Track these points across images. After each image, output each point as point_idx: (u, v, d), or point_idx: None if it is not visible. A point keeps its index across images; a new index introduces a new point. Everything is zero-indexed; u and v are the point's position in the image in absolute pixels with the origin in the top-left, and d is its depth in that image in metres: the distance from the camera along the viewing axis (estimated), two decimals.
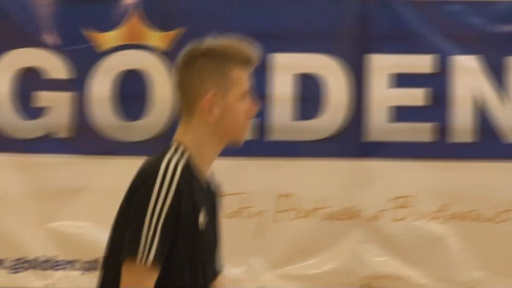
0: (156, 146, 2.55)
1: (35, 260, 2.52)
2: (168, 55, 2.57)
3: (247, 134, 1.13)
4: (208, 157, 1.09)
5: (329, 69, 2.56)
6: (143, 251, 0.98)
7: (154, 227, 0.98)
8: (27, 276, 2.52)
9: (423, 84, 2.58)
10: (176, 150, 1.05)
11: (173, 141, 1.07)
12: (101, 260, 1.12)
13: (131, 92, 2.58)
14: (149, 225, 0.98)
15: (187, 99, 1.08)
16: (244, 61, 1.08)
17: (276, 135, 2.62)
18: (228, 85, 1.07)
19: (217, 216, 1.13)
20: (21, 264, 2.53)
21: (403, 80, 2.57)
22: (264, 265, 2.59)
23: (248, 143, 2.51)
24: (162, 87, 2.55)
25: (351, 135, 2.60)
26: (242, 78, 1.08)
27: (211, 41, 1.09)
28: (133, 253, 0.99)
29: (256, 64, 1.09)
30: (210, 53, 1.07)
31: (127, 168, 1.32)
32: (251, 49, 1.09)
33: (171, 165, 1.01)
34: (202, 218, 1.03)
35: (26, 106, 2.56)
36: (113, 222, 1.08)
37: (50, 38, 2.55)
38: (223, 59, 1.07)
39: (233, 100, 1.07)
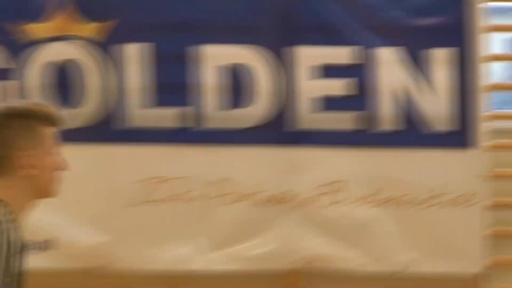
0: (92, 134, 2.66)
1: None
2: (102, 45, 2.66)
3: (57, 188, 1.21)
4: (26, 211, 1.18)
5: (256, 60, 2.67)
6: None
7: None
8: None
9: (347, 74, 2.71)
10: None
11: None
12: None
13: (64, 82, 2.65)
14: None
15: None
16: (47, 118, 1.18)
17: (210, 123, 2.72)
18: (35, 142, 1.16)
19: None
20: None
21: (327, 71, 2.69)
22: (209, 246, 2.70)
23: (185, 131, 2.66)
24: (95, 76, 2.64)
25: (280, 124, 2.72)
26: (48, 134, 1.17)
27: (16, 104, 1.22)
28: None
29: (59, 122, 1.21)
30: (15, 113, 1.16)
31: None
32: (52, 109, 1.21)
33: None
34: None
35: None
36: None
37: None
38: (28, 118, 1.16)
39: (41, 156, 1.16)
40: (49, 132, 1.18)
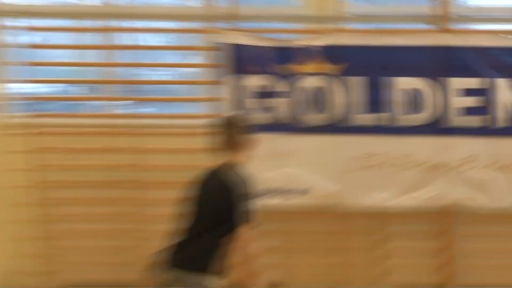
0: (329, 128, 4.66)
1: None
2: (338, 78, 4.63)
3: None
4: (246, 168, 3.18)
5: (425, 86, 4.61)
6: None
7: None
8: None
9: (478, 94, 4.66)
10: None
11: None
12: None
13: (315, 100, 4.63)
14: None
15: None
16: (247, 125, 3.29)
17: (398, 122, 4.68)
18: (246, 136, 3.18)
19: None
20: None
21: (466, 92, 4.63)
22: (399, 192, 4.67)
23: (383, 127, 4.71)
24: (334, 96, 4.61)
25: (438, 123, 4.68)
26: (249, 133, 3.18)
27: (234, 115, 3.60)
28: (247, 220, 2.93)
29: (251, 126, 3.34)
30: (236, 120, 3.30)
31: None
32: (246, 118, 3.46)
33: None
34: None
35: None
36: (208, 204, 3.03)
37: (276, 68, 4.60)
38: (242, 123, 3.28)
39: (248, 143, 3.18)
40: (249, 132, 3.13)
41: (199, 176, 3.17)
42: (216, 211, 3.01)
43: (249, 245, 2.90)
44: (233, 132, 3.09)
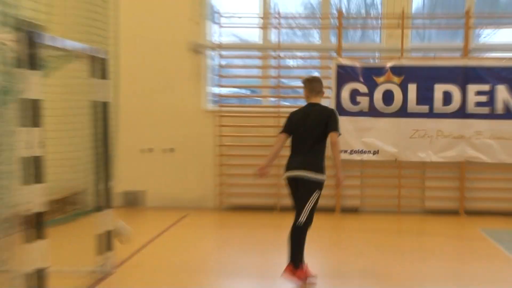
0: None
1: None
2: (399, 85, 7.76)
3: None
4: None
5: None
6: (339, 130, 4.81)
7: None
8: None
9: None
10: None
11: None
12: None
13: None
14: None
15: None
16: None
17: None
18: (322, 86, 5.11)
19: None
20: None
21: None
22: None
23: None
24: (397, 95, 7.76)
25: None
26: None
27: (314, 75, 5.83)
28: (337, 130, 4.73)
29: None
30: (315, 78, 5.22)
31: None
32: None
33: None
34: None
35: None
36: (315, 127, 4.70)
37: (363, 79, 7.75)
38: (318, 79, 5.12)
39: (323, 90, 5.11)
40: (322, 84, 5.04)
41: (298, 112, 4.97)
42: (320, 130, 4.74)
43: (337, 145, 4.76)
44: (315, 85, 4.95)
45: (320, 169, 4.75)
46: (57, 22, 6.94)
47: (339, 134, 4.82)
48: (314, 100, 4.92)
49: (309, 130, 4.80)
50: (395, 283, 5.01)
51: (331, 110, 5.01)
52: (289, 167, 4.84)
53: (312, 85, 4.92)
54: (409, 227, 7.57)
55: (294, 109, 5.07)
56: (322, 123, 4.77)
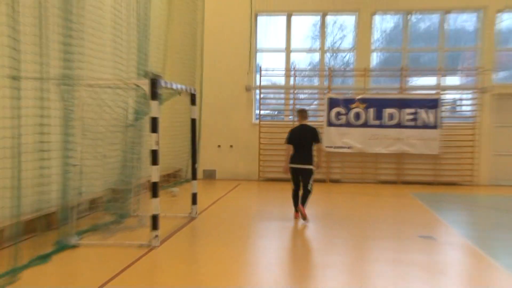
0: None
1: None
2: (365, 109, 13.53)
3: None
4: None
5: None
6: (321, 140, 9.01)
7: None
8: None
9: None
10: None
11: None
12: None
13: None
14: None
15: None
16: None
17: None
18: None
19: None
20: None
21: None
22: None
23: None
24: (363, 116, 13.56)
25: None
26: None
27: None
28: (320, 141, 8.78)
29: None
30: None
31: None
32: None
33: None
34: None
35: None
36: (307, 138, 8.42)
37: (343, 105, 13.52)
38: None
39: None
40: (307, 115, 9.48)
41: (295, 129, 8.39)
42: (311, 141, 8.28)
43: (320, 149, 8.68)
44: (304, 113, 8.62)
45: (312, 162, 8.37)
46: (168, 71, 12.60)
47: (321, 142, 8.47)
48: (304, 122, 8.47)
49: (304, 141, 8.30)
50: (358, 220, 8.97)
51: (315, 128, 8.43)
52: (294, 161, 8.38)
53: (303, 113, 8.59)
54: (368, 191, 12.93)
55: (294, 126, 8.84)
56: (311, 136, 8.32)
